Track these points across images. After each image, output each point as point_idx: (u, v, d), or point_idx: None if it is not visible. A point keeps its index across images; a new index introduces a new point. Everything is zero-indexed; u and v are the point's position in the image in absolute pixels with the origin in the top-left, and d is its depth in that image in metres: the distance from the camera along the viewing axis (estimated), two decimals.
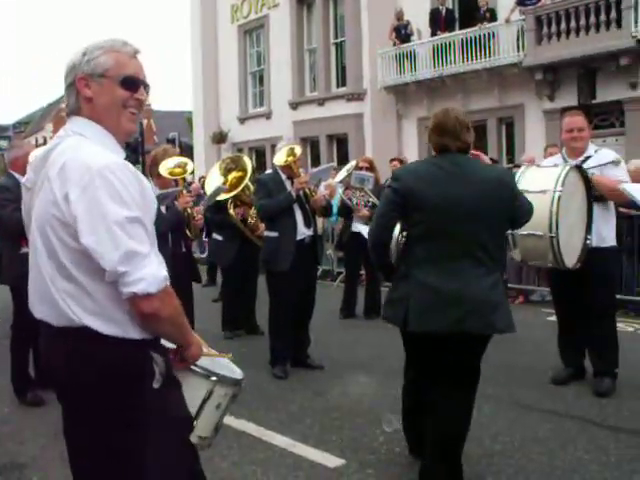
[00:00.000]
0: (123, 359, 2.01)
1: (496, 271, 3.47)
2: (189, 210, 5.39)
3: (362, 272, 9.12)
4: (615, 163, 5.18)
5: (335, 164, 7.98)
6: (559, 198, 4.60)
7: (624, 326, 7.57)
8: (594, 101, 13.90)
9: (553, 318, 5.57)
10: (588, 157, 5.25)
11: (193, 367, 2.30)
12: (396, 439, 4.37)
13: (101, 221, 1.88)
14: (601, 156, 5.28)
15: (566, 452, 4.14)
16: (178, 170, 5.25)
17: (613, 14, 13.24)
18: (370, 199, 8.31)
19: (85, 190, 1.90)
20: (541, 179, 4.81)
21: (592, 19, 13.52)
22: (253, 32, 22.56)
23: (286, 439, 4.47)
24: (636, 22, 12.98)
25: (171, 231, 5.19)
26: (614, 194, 5.02)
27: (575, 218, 4.98)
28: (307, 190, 5.96)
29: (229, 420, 4.74)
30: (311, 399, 5.31)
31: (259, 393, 5.44)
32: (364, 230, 6.25)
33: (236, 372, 2.63)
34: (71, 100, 2.13)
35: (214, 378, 2.38)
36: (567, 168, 4.83)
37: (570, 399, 5.13)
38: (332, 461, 4.11)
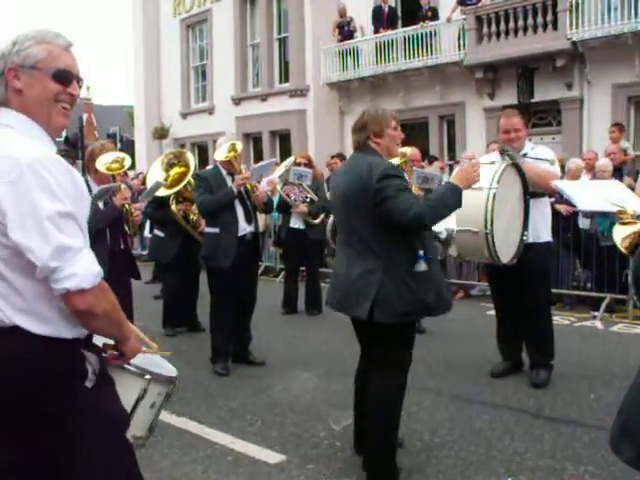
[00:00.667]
0: (55, 359, 1.96)
1: (373, 261, 3.54)
2: (127, 206, 5.30)
3: (302, 268, 9.11)
4: (550, 162, 5.31)
5: (277, 159, 7.96)
6: (494, 195, 4.68)
7: (560, 319, 7.79)
8: (533, 100, 14.28)
9: (493, 312, 5.68)
10: (525, 154, 5.37)
11: (127, 366, 2.25)
12: (337, 434, 4.40)
13: (31, 215, 1.83)
14: (538, 154, 5.40)
15: (503, 442, 4.23)
16: (115, 165, 5.14)
17: (550, 16, 13.56)
18: (308, 195, 8.33)
19: (14, 184, 1.84)
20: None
21: (530, 20, 13.82)
22: (196, 26, 22.28)
23: (227, 436, 4.45)
24: (571, 25, 13.32)
25: (109, 227, 5.10)
26: (540, 180, 5.12)
27: (511, 215, 5.08)
28: (248, 186, 5.93)
29: (170, 419, 4.71)
30: (252, 395, 5.29)
31: (200, 390, 5.40)
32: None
33: (170, 370, 2.60)
34: (0, 91, 2.06)
35: (148, 376, 2.35)
36: (504, 165, 4.90)
37: (508, 391, 5.24)
38: (273, 457, 4.10)
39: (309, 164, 8.49)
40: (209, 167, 6.97)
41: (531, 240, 5.24)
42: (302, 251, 8.64)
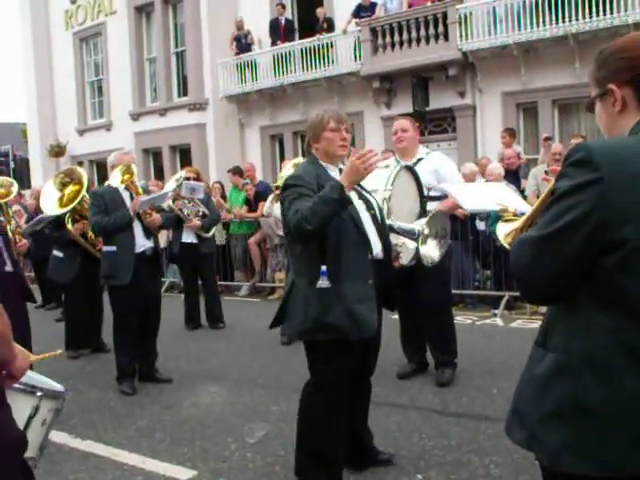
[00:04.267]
0: None
1: (290, 275, 3.58)
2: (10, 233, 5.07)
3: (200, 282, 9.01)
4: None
5: (170, 191, 7.90)
6: (389, 197, 4.73)
7: (463, 319, 8.04)
8: (428, 108, 14.74)
9: (397, 316, 5.80)
10: (420, 159, 5.51)
11: (16, 385, 2.17)
12: (248, 446, 4.37)
13: None
14: (432, 159, 5.56)
15: (412, 441, 4.32)
16: (1, 191, 4.94)
17: (440, 28, 14.06)
18: (200, 209, 8.28)
19: None
20: (373, 179, 4.96)
21: (422, 32, 14.27)
22: (90, 40, 21.70)
23: (136, 456, 4.33)
24: (461, 36, 13.85)
25: None
26: (455, 208, 5.30)
27: (408, 218, 5.15)
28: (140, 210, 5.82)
29: (73, 442, 4.57)
30: (160, 413, 5.19)
31: (106, 411, 5.25)
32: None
33: (56, 386, 2.51)
34: None
35: (39, 393, 2.27)
36: (397, 168, 4.88)
37: (414, 391, 5.36)
38: (184, 473, 4.03)
39: (198, 178, 8.48)
40: (106, 184, 6.81)
41: None
42: (196, 265, 8.58)
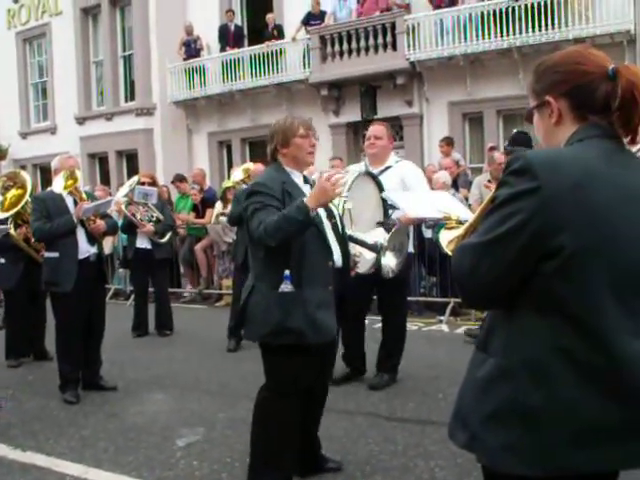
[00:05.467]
0: None
1: (250, 279, 3.57)
2: None
3: (151, 289, 8.93)
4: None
5: (115, 197, 7.83)
6: (344, 203, 4.73)
7: (410, 325, 8.07)
8: (376, 117, 14.83)
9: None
10: (389, 167, 5.54)
11: None
12: (194, 453, 4.34)
13: None
14: (399, 167, 5.58)
15: (358, 447, 4.35)
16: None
17: (389, 37, 14.23)
18: (154, 214, 8.21)
19: None
20: None
21: (371, 41, 14.41)
22: (34, 40, 21.19)
23: (79, 466, 4.24)
24: (409, 46, 14.04)
25: None
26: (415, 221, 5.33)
27: (368, 225, 5.12)
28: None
29: (13, 454, 4.46)
30: (105, 421, 5.10)
31: (48, 421, 5.14)
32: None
33: None
34: None
35: None
36: (355, 174, 4.89)
37: (361, 398, 5.39)
38: None
39: (153, 183, 8.39)
40: (48, 189, 6.68)
41: None
42: (150, 271, 8.49)
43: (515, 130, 8.20)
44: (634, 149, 2.92)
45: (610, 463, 1.62)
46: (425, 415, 4.92)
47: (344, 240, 3.79)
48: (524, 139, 7.29)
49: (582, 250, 1.56)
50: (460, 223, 2.12)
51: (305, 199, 3.33)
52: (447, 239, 2.03)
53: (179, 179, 11.91)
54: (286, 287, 3.37)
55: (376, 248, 4.04)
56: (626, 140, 1.72)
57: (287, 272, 3.38)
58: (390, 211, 5.05)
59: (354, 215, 4.62)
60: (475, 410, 1.69)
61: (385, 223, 5.08)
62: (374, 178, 5.10)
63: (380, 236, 4.13)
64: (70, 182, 5.60)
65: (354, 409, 5.13)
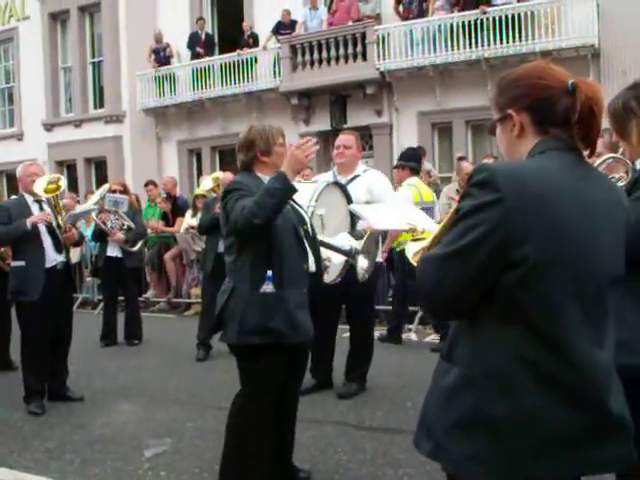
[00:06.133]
0: None
1: (227, 281, 3.55)
2: None
3: (121, 297, 8.84)
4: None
5: (95, 207, 7.78)
6: (312, 213, 4.74)
7: (377, 334, 8.13)
8: (345, 126, 14.90)
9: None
10: (357, 176, 5.56)
11: None
12: (162, 463, 4.30)
13: None
14: (367, 177, 5.60)
15: (327, 455, 4.35)
16: (52, 186, 4.74)
17: (359, 47, 14.35)
18: (125, 222, 8.15)
19: None
20: (300, 194, 4.96)
21: (341, 51, 14.53)
22: (0, 45, 20.97)
23: (44, 479, 4.17)
24: (379, 56, 14.17)
25: None
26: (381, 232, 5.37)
27: (334, 234, 5.13)
28: (62, 225, 5.66)
29: None
30: (71, 433, 5.02)
31: (12, 433, 5.04)
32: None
33: None
34: None
35: None
36: (324, 184, 4.91)
37: (329, 407, 5.38)
38: None
39: (124, 191, 8.32)
40: (14, 197, 6.60)
41: None
42: (120, 280, 8.41)
43: (405, 147, 8.80)
44: (596, 163, 2.98)
45: (573, 470, 1.66)
46: (393, 423, 4.93)
47: (316, 246, 3.83)
48: (413, 154, 8.06)
49: (544, 261, 1.59)
50: (426, 235, 2.14)
51: (281, 169, 3.39)
52: (413, 251, 2.05)
53: (154, 184, 11.88)
54: (267, 287, 3.40)
55: (351, 253, 4.08)
56: (585, 153, 1.77)
57: (269, 273, 3.41)
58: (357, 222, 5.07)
59: (317, 222, 4.57)
60: (439, 419, 1.71)
61: (353, 235, 5.12)
62: (342, 189, 5.12)
63: (346, 240, 4.16)
64: (52, 187, 5.55)
65: (322, 418, 5.13)
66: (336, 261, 5.04)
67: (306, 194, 4.84)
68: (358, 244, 4.12)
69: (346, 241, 4.17)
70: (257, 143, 3.56)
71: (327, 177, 5.65)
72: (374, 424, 4.96)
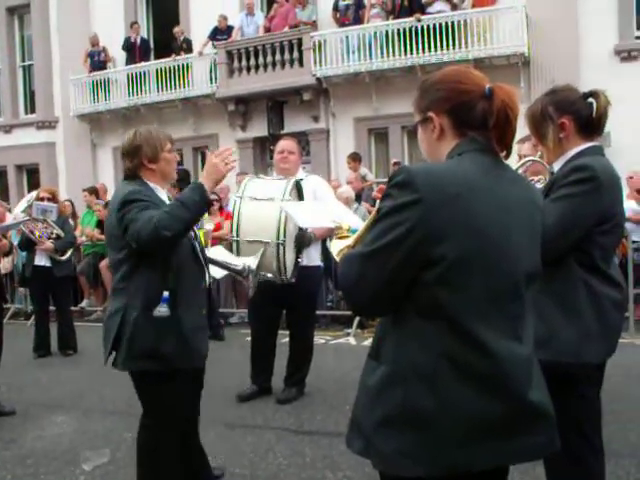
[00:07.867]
0: None
1: (118, 301, 3.28)
2: None
3: (53, 307, 8.61)
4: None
5: (27, 218, 7.58)
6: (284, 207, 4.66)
7: (317, 338, 8.09)
8: (282, 132, 14.94)
9: (249, 338, 5.83)
10: (300, 180, 5.58)
11: None
12: (98, 475, 4.22)
13: None
14: (310, 180, 5.65)
15: (267, 461, 4.35)
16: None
17: (295, 54, 14.42)
18: (54, 231, 7.96)
19: None
20: (267, 189, 4.95)
21: (278, 57, 14.57)
22: None
23: None
24: (315, 62, 14.26)
25: None
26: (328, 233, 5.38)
27: (290, 236, 5.10)
28: None
29: None
30: (1, 449, 4.86)
31: None
32: None
33: None
34: None
35: None
36: (292, 181, 5.05)
37: (269, 412, 5.38)
38: None
39: (53, 199, 8.12)
40: None
41: (305, 263, 5.43)
42: (49, 289, 8.22)
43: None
44: (517, 165, 3.07)
45: (498, 459, 1.72)
46: (332, 427, 4.96)
47: (206, 262, 3.56)
48: (183, 175, 8.53)
49: (462, 259, 1.65)
50: (351, 233, 2.17)
51: (199, 179, 3.17)
52: (337, 248, 2.08)
53: (92, 191, 11.67)
54: (162, 309, 3.12)
55: (243, 272, 3.95)
56: (502, 155, 1.83)
57: (166, 294, 3.13)
58: None
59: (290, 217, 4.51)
60: (368, 416, 1.75)
61: (303, 234, 5.18)
62: (298, 189, 5.17)
63: (250, 260, 4.04)
64: None
65: (262, 424, 5.12)
66: (289, 259, 4.95)
67: (274, 189, 4.81)
68: (253, 263, 3.99)
69: (240, 260, 4.04)
70: (143, 149, 3.26)
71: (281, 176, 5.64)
72: (313, 428, 4.98)
